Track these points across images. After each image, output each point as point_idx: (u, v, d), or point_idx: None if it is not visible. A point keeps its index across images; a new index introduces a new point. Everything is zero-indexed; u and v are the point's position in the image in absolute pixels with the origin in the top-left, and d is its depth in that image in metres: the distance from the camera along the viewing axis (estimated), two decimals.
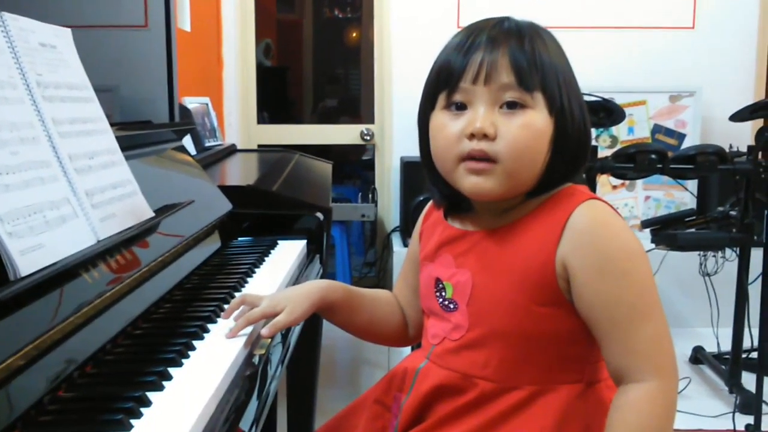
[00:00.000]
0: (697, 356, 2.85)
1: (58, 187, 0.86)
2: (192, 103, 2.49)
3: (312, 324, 1.70)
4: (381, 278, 3.67)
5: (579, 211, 0.82)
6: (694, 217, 2.66)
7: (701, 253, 2.66)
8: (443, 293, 0.91)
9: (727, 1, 3.46)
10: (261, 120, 3.74)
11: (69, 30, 1.04)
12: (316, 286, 0.99)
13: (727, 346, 2.67)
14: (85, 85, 1.03)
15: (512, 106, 0.82)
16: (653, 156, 2.34)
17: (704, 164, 2.38)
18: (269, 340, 0.96)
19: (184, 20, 2.74)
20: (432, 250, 0.94)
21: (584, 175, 2.48)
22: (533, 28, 0.86)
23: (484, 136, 0.81)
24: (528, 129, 0.82)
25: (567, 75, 0.86)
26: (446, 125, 0.85)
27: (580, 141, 0.86)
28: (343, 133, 3.79)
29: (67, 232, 0.83)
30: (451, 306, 0.90)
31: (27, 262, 0.74)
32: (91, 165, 0.94)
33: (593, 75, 3.29)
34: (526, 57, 0.82)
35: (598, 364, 0.86)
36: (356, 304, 1.01)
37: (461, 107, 0.84)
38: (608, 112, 2.33)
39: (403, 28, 3.49)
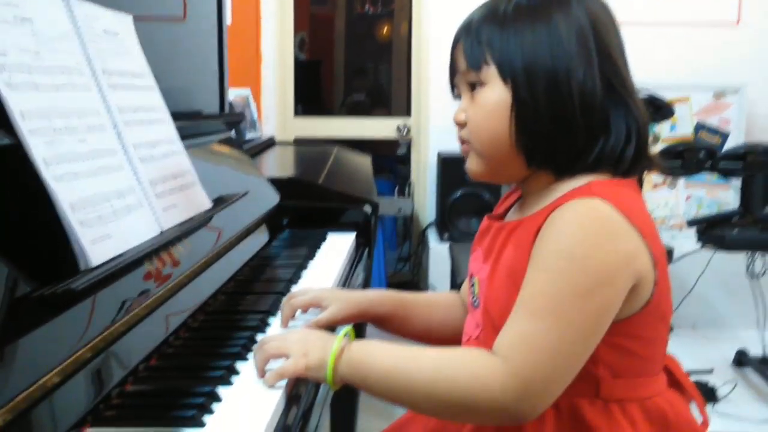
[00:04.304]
0: (741, 359, 2.78)
1: (124, 176, 0.84)
2: (233, 95, 2.49)
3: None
4: (415, 273, 3.65)
5: (563, 207, 0.77)
6: (739, 217, 2.59)
7: (749, 253, 2.59)
8: (473, 288, 0.90)
9: None
10: (296, 112, 3.73)
11: (130, 17, 1.03)
12: (365, 297, 0.98)
13: None
14: (146, 73, 1.02)
15: (473, 88, 0.84)
16: (702, 154, 2.28)
17: (754, 163, 2.32)
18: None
19: (225, 14, 2.73)
20: (474, 242, 0.94)
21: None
22: (499, 3, 0.83)
23: (461, 124, 0.86)
24: (481, 107, 0.83)
25: (538, 39, 0.80)
26: None
27: (555, 106, 0.79)
28: (380, 127, 3.76)
29: (133, 221, 0.82)
30: (476, 302, 0.88)
31: (98, 252, 0.72)
32: (153, 154, 0.93)
33: (636, 71, 3.21)
34: (471, 37, 0.84)
35: (617, 381, 0.80)
36: (409, 314, 0.99)
37: (459, 97, 0.88)
38: (656, 108, 2.27)
39: (440, 21, 3.45)
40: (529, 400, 0.73)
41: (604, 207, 0.75)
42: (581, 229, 0.75)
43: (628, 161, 0.81)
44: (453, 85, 0.89)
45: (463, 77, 0.85)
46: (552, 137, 0.80)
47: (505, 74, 0.81)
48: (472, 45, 0.83)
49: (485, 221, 0.93)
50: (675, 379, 0.87)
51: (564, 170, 0.82)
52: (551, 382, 0.74)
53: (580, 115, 0.79)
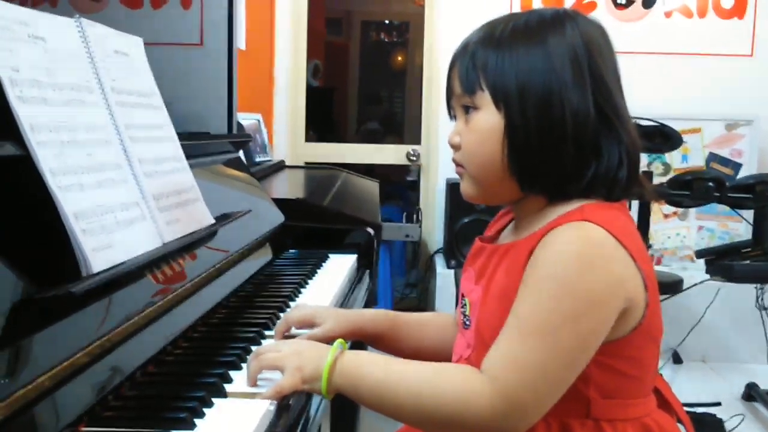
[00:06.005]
0: (751, 393, 2.75)
1: (129, 190, 0.87)
2: (244, 119, 2.53)
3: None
4: (422, 299, 3.65)
5: (555, 231, 0.77)
6: (750, 249, 2.58)
7: (758, 285, 2.58)
8: (464, 309, 0.91)
9: None
10: (308, 138, 3.78)
11: (141, 39, 1.07)
12: (359, 315, 1.00)
13: None
14: (154, 93, 1.05)
15: (468, 111, 0.85)
16: (711, 184, 2.29)
17: (764, 193, 2.32)
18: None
19: (239, 39, 2.79)
20: (466, 263, 0.95)
21: (636, 201, 2.43)
22: (496, 26, 0.85)
23: (455, 147, 0.88)
24: (474, 132, 0.84)
25: (532, 64, 0.81)
26: None
27: (546, 131, 0.80)
28: (390, 153, 3.80)
29: (135, 233, 0.85)
30: (467, 323, 0.89)
31: (99, 259, 0.75)
32: (158, 170, 0.96)
33: (648, 100, 3.22)
34: (467, 60, 0.85)
35: (608, 402, 0.81)
36: (401, 334, 1.00)
37: (455, 118, 0.90)
38: (665, 138, 2.29)
39: (452, 51, 3.49)
40: (514, 419, 0.75)
41: (596, 231, 0.77)
42: (574, 253, 0.76)
43: (621, 186, 0.82)
44: (450, 107, 0.91)
45: (458, 100, 0.87)
46: (543, 162, 0.81)
47: (499, 100, 0.82)
48: (467, 69, 0.85)
49: (477, 243, 0.94)
50: (664, 399, 0.88)
51: (556, 194, 0.83)
52: (537, 402, 0.75)
53: (571, 140, 0.80)
